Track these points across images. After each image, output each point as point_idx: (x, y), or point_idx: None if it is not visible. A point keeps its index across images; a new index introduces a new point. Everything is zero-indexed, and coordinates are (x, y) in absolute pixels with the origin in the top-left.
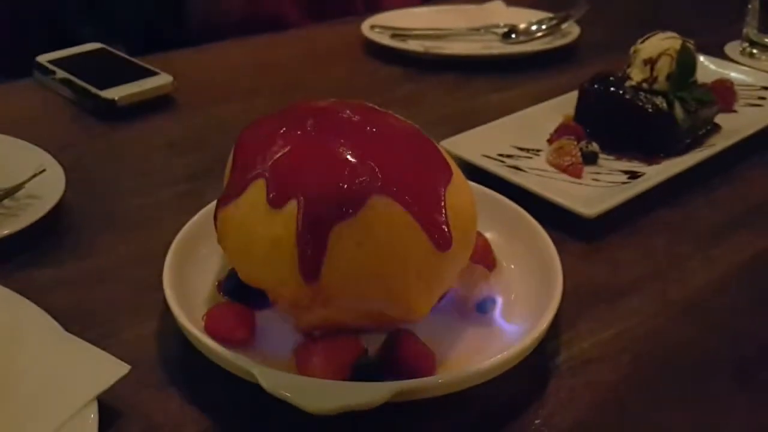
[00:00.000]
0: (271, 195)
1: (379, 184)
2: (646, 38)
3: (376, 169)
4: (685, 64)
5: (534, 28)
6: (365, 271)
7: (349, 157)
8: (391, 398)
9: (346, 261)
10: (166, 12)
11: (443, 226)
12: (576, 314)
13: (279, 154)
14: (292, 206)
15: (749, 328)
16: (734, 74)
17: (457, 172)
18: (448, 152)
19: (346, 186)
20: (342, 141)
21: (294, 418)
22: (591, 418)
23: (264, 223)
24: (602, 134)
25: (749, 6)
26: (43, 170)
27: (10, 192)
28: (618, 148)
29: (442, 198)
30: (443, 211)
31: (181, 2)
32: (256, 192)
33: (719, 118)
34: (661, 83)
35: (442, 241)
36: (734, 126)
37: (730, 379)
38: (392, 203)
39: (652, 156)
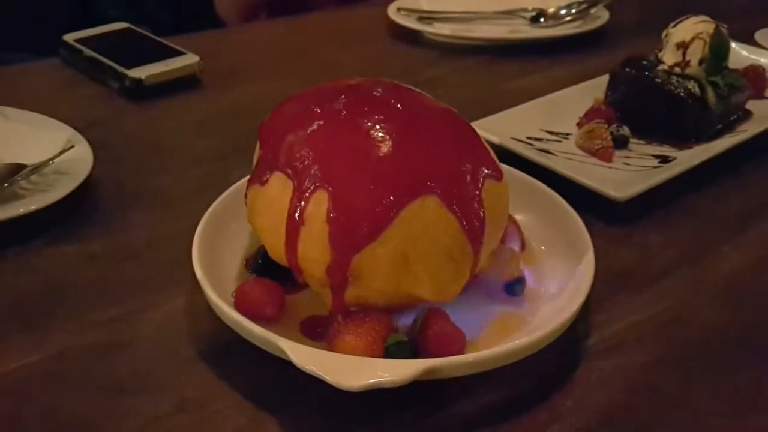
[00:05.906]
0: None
1: (416, 186)
2: (679, 22)
3: (415, 168)
4: (718, 49)
5: (563, 12)
6: (396, 252)
7: (386, 153)
8: (421, 376)
9: (378, 243)
10: None
11: (477, 212)
12: (607, 297)
13: (308, 139)
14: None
15: None
16: (765, 60)
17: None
18: None
19: (381, 202)
20: (377, 127)
21: (323, 394)
22: (623, 399)
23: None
24: (633, 118)
25: None
26: (72, 146)
27: (39, 167)
28: (649, 133)
29: (479, 184)
30: (479, 197)
31: None
32: (285, 175)
33: (750, 104)
34: (693, 68)
35: (474, 227)
36: (765, 112)
37: (760, 362)
38: (428, 197)
39: (683, 141)
